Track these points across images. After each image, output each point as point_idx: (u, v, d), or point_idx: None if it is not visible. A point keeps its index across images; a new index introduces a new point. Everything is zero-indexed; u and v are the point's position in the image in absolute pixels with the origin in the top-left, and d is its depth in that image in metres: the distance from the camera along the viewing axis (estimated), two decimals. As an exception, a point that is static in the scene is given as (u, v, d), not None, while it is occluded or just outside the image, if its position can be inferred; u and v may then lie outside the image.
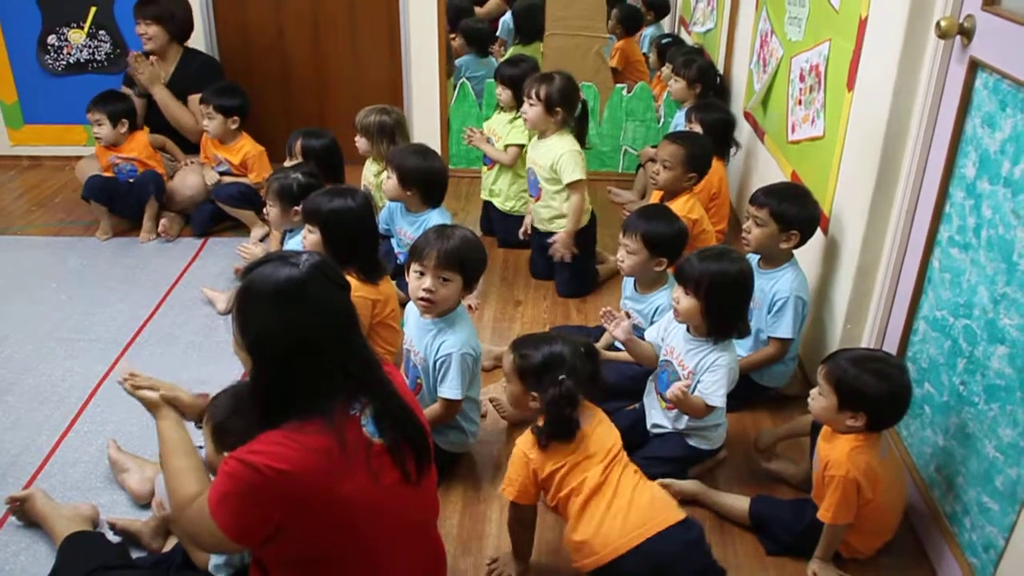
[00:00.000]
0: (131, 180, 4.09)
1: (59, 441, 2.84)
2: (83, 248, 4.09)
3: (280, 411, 1.69)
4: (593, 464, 2.11)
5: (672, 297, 2.52)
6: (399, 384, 1.91)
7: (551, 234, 3.59)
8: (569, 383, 2.08)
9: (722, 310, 2.43)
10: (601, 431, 2.18)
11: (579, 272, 3.63)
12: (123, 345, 3.32)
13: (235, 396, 1.98)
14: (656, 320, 2.75)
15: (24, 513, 2.51)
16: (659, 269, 2.84)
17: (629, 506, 2.08)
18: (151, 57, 4.23)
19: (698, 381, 2.44)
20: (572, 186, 3.48)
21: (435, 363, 2.48)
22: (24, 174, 5.07)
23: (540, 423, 2.13)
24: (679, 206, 3.17)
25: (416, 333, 2.55)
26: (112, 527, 2.44)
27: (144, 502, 2.55)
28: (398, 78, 4.78)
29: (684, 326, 2.52)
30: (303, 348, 1.66)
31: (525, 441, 2.16)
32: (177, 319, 3.49)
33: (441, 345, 2.46)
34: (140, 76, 4.18)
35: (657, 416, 2.62)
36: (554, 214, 3.60)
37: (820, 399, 2.17)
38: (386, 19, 4.70)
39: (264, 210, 3.30)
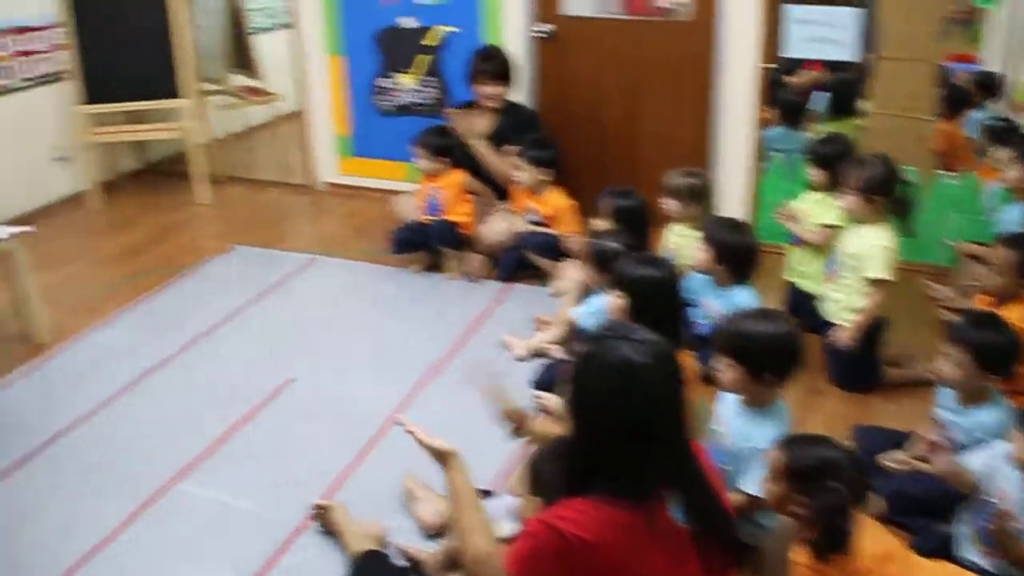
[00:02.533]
0: (432, 218, 4.34)
1: (359, 459, 3.03)
2: (396, 278, 4.38)
3: (592, 480, 1.70)
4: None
5: (1015, 455, 2.25)
6: (709, 469, 1.88)
7: None
8: (844, 493, 1.98)
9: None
10: (875, 538, 2.06)
11: (859, 361, 3.39)
12: (420, 377, 3.50)
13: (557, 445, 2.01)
14: (982, 440, 2.52)
15: (324, 521, 2.70)
16: (986, 384, 2.61)
17: None
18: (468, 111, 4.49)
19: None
20: (874, 283, 3.31)
21: (744, 452, 2.42)
22: (349, 202, 5.50)
23: (812, 535, 2.03)
24: (1015, 315, 2.91)
25: (729, 416, 2.51)
26: (401, 552, 2.55)
27: (431, 533, 2.66)
28: (707, 145, 4.77)
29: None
30: (625, 429, 1.67)
31: (804, 556, 2.06)
32: (474, 357, 3.62)
33: (753, 436, 2.41)
34: (459, 128, 4.43)
35: (972, 554, 2.39)
36: (845, 305, 3.42)
37: None
38: (702, 85, 4.70)
39: (567, 262, 3.38)
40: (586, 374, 1.73)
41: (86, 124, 5.60)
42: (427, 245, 4.36)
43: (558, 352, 3.33)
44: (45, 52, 5.66)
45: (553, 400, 3.11)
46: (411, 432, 2.10)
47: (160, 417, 3.37)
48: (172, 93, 5.56)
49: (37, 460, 3.17)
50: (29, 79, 5.60)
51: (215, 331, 3.97)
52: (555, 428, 2.18)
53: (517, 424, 2.37)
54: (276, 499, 2.87)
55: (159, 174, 6.36)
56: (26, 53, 5.57)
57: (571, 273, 3.85)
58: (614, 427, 1.67)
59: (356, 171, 5.60)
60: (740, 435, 2.44)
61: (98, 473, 3.08)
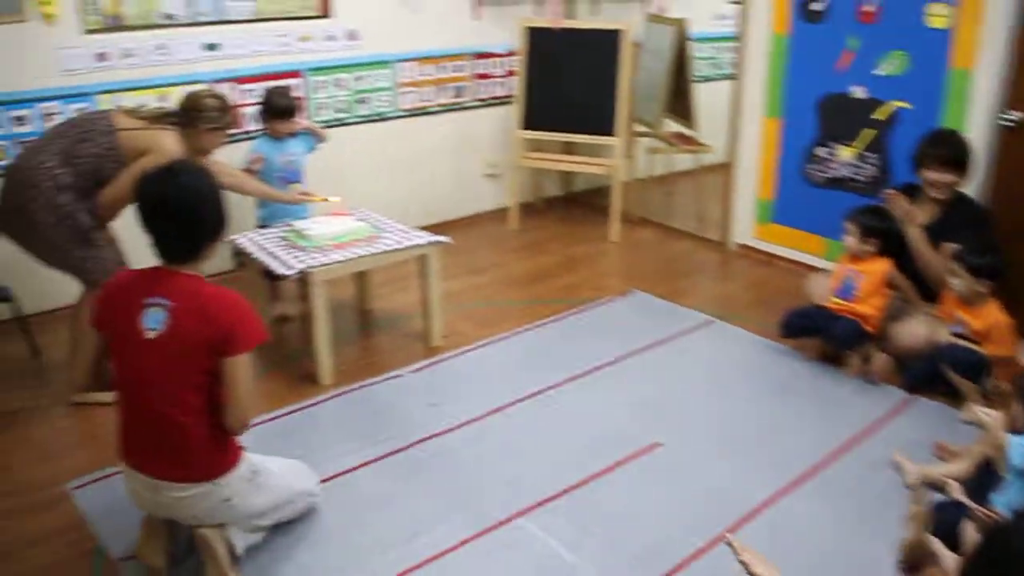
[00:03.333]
0: (841, 302, 3.95)
1: (707, 547, 2.81)
2: (788, 360, 4.07)
3: None
4: None
5: None
6: None
7: None
8: None
9: None
10: None
11: None
12: (793, 476, 3.17)
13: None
14: None
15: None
16: None
17: None
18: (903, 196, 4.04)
19: None
20: None
21: None
22: (758, 268, 5.27)
23: None
24: None
25: None
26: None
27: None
28: None
29: None
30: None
31: None
32: (855, 470, 3.23)
33: None
34: (896, 212, 4.01)
35: None
36: None
37: None
38: None
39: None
40: (994, 549, 1.39)
41: (521, 148, 5.90)
42: (821, 332, 3.99)
43: (958, 492, 2.86)
44: (499, 77, 6.07)
45: (939, 547, 2.68)
46: (742, 560, 1.96)
47: (522, 445, 3.38)
48: (606, 131, 5.69)
49: (403, 455, 3.33)
50: (480, 99, 6.05)
51: (596, 372, 3.94)
52: None
53: (913, 563, 2.02)
54: (611, 566, 2.73)
55: (577, 205, 6.56)
56: (483, 76, 6.01)
57: (972, 412, 3.32)
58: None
59: (771, 237, 5.34)
60: None
61: (451, 484, 3.15)
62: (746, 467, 3.23)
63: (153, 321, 2.42)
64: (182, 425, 2.43)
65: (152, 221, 2.45)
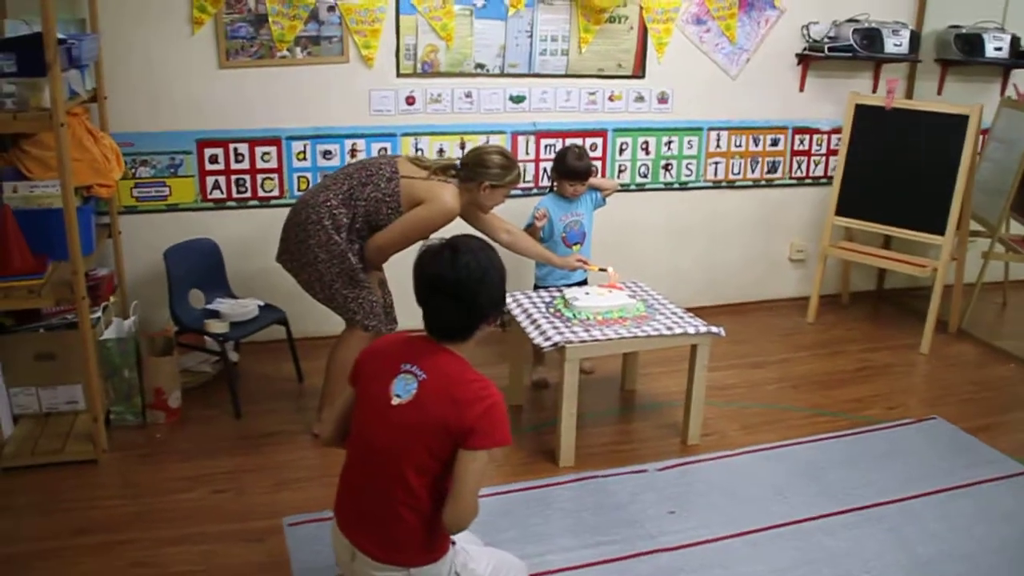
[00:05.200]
0: None
1: None
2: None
3: None
4: None
5: None
6: None
7: None
8: None
9: None
10: None
11: None
12: None
13: None
14: None
15: None
16: None
17: None
18: None
19: None
20: None
21: None
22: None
23: None
24: None
25: None
26: None
27: None
28: None
29: None
30: None
31: None
32: None
33: None
34: None
35: None
36: None
37: None
38: None
39: None
40: None
41: (832, 235, 5.37)
42: None
43: None
44: (818, 154, 5.59)
45: None
46: None
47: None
48: (934, 228, 5.01)
49: (625, 564, 3.01)
50: (796, 178, 5.59)
51: (869, 510, 3.38)
52: None
53: None
54: None
55: (888, 304, 5.92)
56: (801, 152, 5.55)
57: None
58: None
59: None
60: None
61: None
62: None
63: (402, 388, 2.30)
64: (397, 502, 2.28)
65: (427, 297, 2.35)
